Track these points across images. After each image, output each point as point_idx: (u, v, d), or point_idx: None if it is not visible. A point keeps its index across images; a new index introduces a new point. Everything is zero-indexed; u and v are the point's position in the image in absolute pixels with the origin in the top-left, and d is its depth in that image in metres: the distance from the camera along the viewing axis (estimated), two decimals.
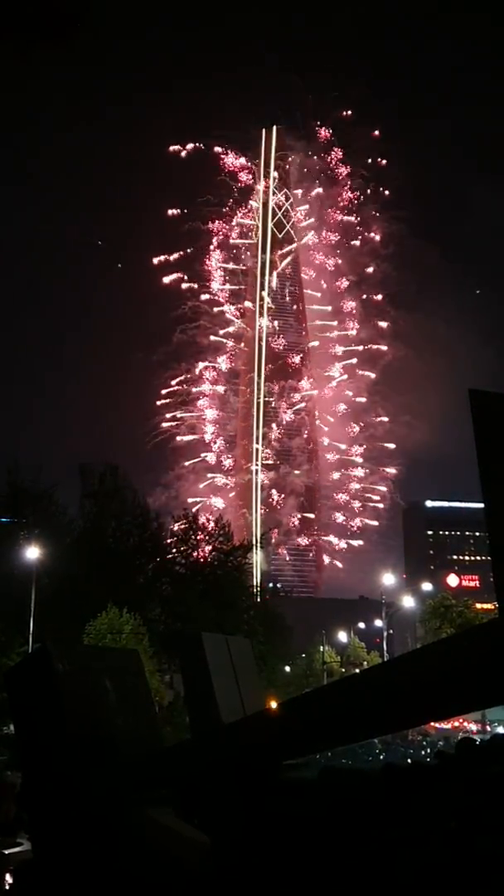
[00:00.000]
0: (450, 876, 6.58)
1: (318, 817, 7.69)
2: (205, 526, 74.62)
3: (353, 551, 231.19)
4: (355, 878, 7.09)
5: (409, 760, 33.90)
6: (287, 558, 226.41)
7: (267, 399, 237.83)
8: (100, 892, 8.51)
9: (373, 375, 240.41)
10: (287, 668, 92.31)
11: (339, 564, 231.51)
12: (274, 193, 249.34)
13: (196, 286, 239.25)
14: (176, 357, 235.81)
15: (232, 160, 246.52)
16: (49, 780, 9.04)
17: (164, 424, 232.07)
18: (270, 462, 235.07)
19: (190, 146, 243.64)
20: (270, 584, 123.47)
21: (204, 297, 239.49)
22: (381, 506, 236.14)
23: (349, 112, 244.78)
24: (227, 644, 9.37)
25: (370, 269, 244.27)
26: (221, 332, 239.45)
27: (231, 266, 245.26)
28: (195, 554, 71.74)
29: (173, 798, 9.23)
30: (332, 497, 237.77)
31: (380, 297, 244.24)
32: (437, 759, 8.34)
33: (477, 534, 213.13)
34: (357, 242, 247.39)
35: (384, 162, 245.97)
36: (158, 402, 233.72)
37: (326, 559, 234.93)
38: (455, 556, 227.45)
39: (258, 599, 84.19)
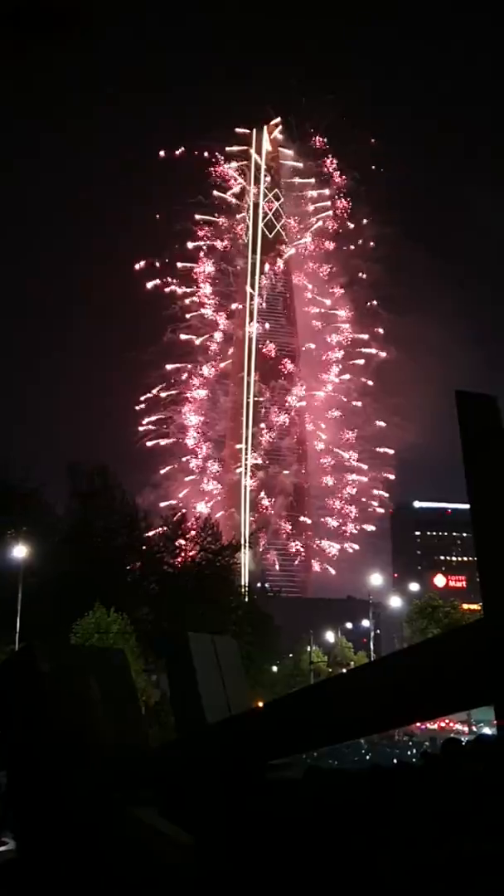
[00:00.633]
0: (436, 877, 6.58)
1: (303, 817, 7.68)
2: (192, 527, 74.62)
3: (345, 554, 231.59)
4: (341, 879, 7.08)
5: (394, 760, 34.00)
6: (275, 563, 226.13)
7: (257, 399, 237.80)
8: (84, 891, 8.48)
9: (363, 378, 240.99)
10: (274, 668, 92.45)
11: (332, 571, 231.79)
12: (265, 195, 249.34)
13: (186, 288, 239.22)
14: (166, 357, 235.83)
15: (223, 162, 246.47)
16: (33, 779, 9.00)
17: (152, 427, 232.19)
18: (259, 462, 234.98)
19: (181, 149, 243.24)
20: (259, 584, 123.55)
21: (194, 298, 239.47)
22: (381, 510, 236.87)
23: (342, 114, 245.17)
24: (214, 643, 9.36)
25: (361, 274, 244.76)
26: (211, 332, 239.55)
27: (222, 266, 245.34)
28: (183, 554, 71.74)
29: (158, 798, 9.20)
30: (325, 501, 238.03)
31: (372, 300, 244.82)
32: (423, 760, 8.34)
33: (464, 535, 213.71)
34: (349, 246, 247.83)
35: (374, 167, 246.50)
36: (146, 403, 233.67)
37: (317, 567, 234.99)
38: (443, 557, 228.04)
39: (246, 599, 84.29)
